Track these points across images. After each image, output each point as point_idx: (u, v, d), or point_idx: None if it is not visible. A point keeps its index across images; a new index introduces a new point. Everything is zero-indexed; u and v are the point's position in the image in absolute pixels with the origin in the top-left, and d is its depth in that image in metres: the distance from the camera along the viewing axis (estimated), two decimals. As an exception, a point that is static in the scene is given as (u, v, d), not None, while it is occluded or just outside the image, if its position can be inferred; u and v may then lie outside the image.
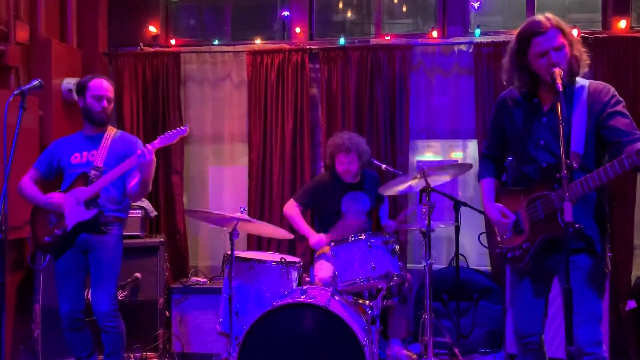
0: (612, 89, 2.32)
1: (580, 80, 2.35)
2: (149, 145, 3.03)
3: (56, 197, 3.14)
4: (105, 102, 3.23)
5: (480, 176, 2.65)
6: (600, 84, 2.34)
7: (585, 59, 2.32)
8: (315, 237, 3.76)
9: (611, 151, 2.25)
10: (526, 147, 2.39)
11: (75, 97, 3.37)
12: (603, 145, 2.30)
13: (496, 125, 2.55)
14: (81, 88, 3.26)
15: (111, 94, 3.28)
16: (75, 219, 3.09)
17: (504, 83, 2.47)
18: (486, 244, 2.82)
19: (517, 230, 2.40)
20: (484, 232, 2.80)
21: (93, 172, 3.12)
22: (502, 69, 2.44)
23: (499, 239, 2.50)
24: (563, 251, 2.00)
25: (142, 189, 3.15)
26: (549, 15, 2.31)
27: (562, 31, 2.27)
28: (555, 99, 2.14)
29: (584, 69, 2.33)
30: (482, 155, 2.70)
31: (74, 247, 3.15)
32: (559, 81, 2.15)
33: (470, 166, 3.53)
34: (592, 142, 2.27)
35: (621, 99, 2.31)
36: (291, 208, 3.91)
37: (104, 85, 3.24)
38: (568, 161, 2.05)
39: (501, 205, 2.48)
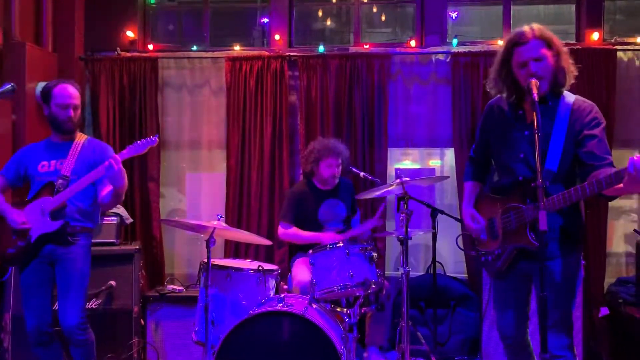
0: (595, 110, 2.31)
1: (567, 95, 2.34)
2: (116, 155, 2.91)
3: (17, 216, 2.99)
4: (70, 112, 3.07)
5: (464, 178, 2.69)
6: (584, 102, 2.33)
7: (572, 70, 2.32)
8: (326, 236, 3.65)
9: (581, 172, 2.28)
10: (505, 159, 2.43)
11: (42, 103, 3.18)
12: (579, 164, 2.30)
13: (482, 131, 2.58)
14: (45, 95, 3.09)
15: (77, 100, 3.11)
16: (39, 230, 2.97)
17: (488, 89, 2.49)
18: (462, 247, 2.86)
19: (493, 236, 2.45)
20: (460, 234, 2.84)
21: (60, 181, 2.99)
22: (488, 77, 2.45)
23: (475, 242, 2.56)
24: (535, 259, 2.08)
25: (115, 199, 3.05)
26: (535, 26, 2.30)
27: (546, 42, 2.27)
28: (533, 109, 2.17)
29: (571, 81, 2.33)
30: (469, 158, 2.72)
31: (39, 259, 3.03)
32: (534, 91, 2.17)
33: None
34: (568, 160, 2.29)
35: (602, 121, 2.29)
36: (285, 229, 3.80)
37: (69, 92, 3.08)
38: (539, 179, 2.06)
39: (473, 210, 2.54)
